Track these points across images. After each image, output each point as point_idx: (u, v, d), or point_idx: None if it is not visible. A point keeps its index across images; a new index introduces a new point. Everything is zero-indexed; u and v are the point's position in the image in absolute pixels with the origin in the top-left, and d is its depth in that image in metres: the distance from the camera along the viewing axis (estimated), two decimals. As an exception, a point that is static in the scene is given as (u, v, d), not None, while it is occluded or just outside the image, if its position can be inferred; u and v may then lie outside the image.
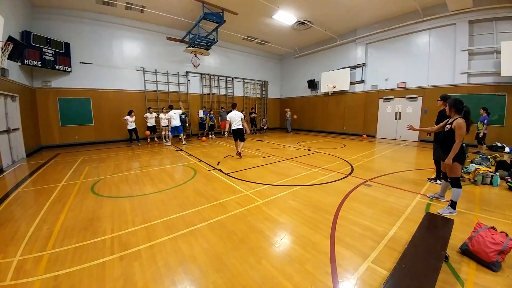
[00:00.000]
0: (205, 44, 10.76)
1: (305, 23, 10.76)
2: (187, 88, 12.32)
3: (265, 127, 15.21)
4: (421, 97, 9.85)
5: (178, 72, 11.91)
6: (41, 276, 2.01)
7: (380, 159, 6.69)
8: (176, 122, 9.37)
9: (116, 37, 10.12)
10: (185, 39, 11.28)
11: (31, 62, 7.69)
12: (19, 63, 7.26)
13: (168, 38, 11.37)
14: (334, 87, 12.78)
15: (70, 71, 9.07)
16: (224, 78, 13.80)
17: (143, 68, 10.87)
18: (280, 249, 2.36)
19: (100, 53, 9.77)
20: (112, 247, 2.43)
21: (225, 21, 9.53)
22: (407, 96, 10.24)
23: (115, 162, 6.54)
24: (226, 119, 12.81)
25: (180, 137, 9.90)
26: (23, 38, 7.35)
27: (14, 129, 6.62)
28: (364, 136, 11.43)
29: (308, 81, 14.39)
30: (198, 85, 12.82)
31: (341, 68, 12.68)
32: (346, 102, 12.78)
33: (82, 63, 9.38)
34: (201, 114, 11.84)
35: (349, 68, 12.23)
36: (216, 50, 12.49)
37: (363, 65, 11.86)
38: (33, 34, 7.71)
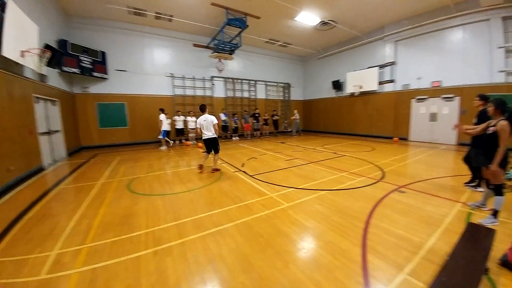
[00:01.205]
0: (229, 49, 11.05)
1: (328, 23, 10.52)
2: (212, 92, 12.73)
3: (288, 130, 15.03)
4: (459, 97, 9.01)
5: (203, 77, 12.37)
6: (79, 269, 2.15)
7: (414, 163, 6.24)
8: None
9: (147, 45, 10.86)
10: (210, 45, 11.70)
11: (69, 69, 8.39)
12: (58, 70, 7.98)
13: (195, 45, 11.89)
14: (361, 88, 12.23)
15: (106, 78, 9.91)
16: (247, 81, 14.01)
17: (171, 74, 11.49)
18: (308, 255, 2.31)
19: (133, 61, 10.55)
20: (147, 242, 2.58)
21: (248, 25, 9.71)
22: (443, 96, 9.44)
23: (148, 162, 6.97)
24: (249, 122, 13.18)
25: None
26: (60, 46, 8.01)
27: (54, 131, 7.28)
28: (396, 139, 10.74)
29: (332, 82, 14.00)
30: (223, 89, 13.18)
31: (368, 68, 12.12)
32: (374, 102, 12.15)
33: (117, 70, 10.21)
34: (222, 117, 12.12)
35: (377, 67, 11.64)
36: (239, 54, 12.74)
37: (393, 64, 11.22)
38: (70, 43, 8.45)
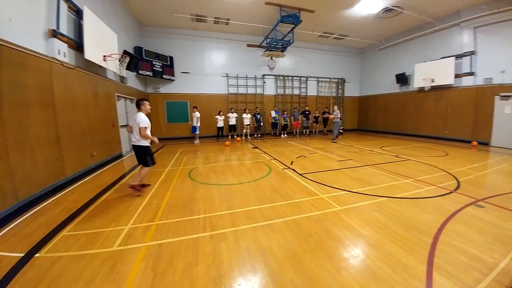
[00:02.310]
0: (281, 46, 11.03)
1: (393, 9, 9.28)
2: (263, 90, 12.99)
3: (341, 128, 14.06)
4: None
5: (255, 76, 12.75)
6: (147, 243, 2.50)
7: (495, 173, 5.08)
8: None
9: (207, 48, 11.86)
10: (262, 44, 11.93)
11: (144, 73, 9.89)
12: (135, 73, 9.45)
13: (248, 45, 12.32)
14: (433, 81, 10.37)
15: (173, 80, 11.31)
16: (298, 78, 13.74)
17: (227, 74, 12.28)
18: (363, 264, 2.14)
19: (195, 63, 11.71)
20: (205, 226, 2.86)
21: (301, 20, 9.45)
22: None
23: (205, 155, 7.71)
24: (298, 119, 12.93)
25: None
26: (136, 53, 9.45)
27: None
28: (474, 143, 8.80)
29: (396, 76, 12.36)
30: (273, 86, 13.30)
31: (441, 58, 10.21)
32: (449, 99, 10.21)
33: (182, 72, 11.51)
34: (273, 114, 12.23)
35: (453, 57, 9.68)
36: (290, 50, 12.55)
37: (472, 54, 9.20)
38: (145, 49, 9.91)
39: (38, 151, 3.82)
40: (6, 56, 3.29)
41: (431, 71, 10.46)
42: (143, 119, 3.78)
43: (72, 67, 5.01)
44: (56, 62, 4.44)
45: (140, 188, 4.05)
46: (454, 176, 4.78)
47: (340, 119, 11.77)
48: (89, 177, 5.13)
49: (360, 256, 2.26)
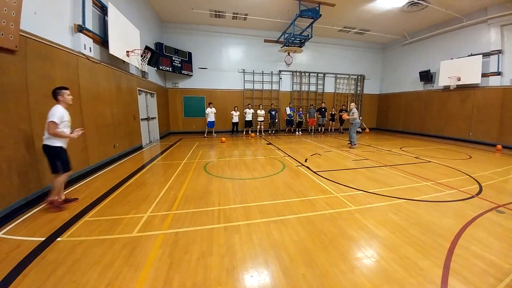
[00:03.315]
0: (298, 41, 10.82)
1: (419, 3, 8.74)
2: (279, 86, 12.89)
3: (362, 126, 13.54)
4: None
5: (271, 71, 12.65)
6: (165, 230, 2.63)
7: None
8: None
9: (224, 44, 11.92)
10: (280, 39, 11.77)
11: (164, 68, 10.16)
12: (155, 68, 9.72)
13: (266, 40, 12.23)
14: (459, 80, 9.70)
15: (191, 75, 11.52)
16: (315, 74, 13.44)
17: (243, 69, 12.30)
18: (377, 265, 2.11)
19: (212, 59, 11.83)
20: (219, 217, 2.95)
21: (321, 15, 9.19)
22: None
23: (220, 149, 7.86)
24: (314, 116, 12.70)
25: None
26: (157, 48, 9.70)
27: (152, 118, 9.13)
28: (499, 147, 8.19)
29: (420, 73, 11.69)
30: (289, 82, 13.14)
31: (468, 56, 9.54)
32: (475, 99, 9.55)
33: (200, 68, 11.69)
34: (288, 111, 12.11)
35: (481, 55, 9.00)
36: (308, 46, 12.26)
37: (499, 52, 8.54)
38: (165, 45, 10.14)
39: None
40: (32, 49, 3.43)
41: (458, 69, 9.80)
42: (53, 112, 2.92)
43: (97, 62, 5.26)
44: (82, 56, 4.67)
45: (62, 204, 3.18)
46: (476, 180, 4.53)
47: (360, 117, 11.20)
48: (111, 166, 5.42)
49: (374, 256, 2.22)
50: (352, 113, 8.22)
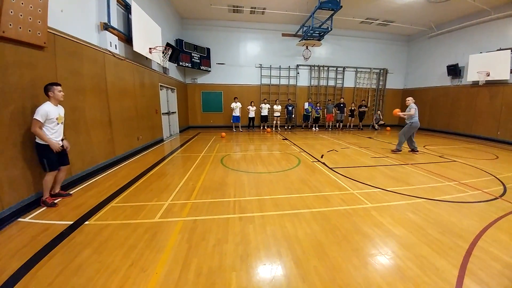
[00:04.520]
0: (317, 34, 10.53)
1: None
2: (296, 81, 12.71)
3: (381, 123, 13.01)
4: None
5: (289, 66, 12.50)
6: (184, 218, 2.80)
7: None
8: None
9: (242, 39, 11.97)
10: (298, 33, 11.54)
11: (184, 64, 10.43)
12: (175, 64, 10.01)
13: (283, 34, 12.06)
14: (488, 75, 9.02)
15: (210, 71, 11.75)
16: (335, 68, 13.05)
17: (260, 64, 12.28)
18: (391, 262, 2.09)
19: (230, 55, 11.95)
20: (234, 208, 3.07)
21: (341, 6, 8.83)
22: None
23: (236, 143, 8.05)
24: (332, 112, 12.37)
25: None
26: (177, 45, 9.94)
27: (172, 112, 9.50)
28: None
29: (448, 67, 10.91)
30: (307, 77, 12.90)
31: (497, 50, 8.79)
32: (504, 96, 8.84)
33: (218, 63, 11.86)
34: (306, 106, 11.93)
35: (509, 50, 8.31)
36: (327, 39, 11.89)
37: None
38: (185, 41, 10.36)
39: (92, 133, 4.35)
40: (61, 46, 3.59)
41: (486, 63, 9.14)
42: (38, 110, 2.83)
43: (122, 58, 5.56)
44: (108, 53, 4.93)
45: (53, 201, 3.10)
46: (501, 182, 4.27)
47: (380, 111, 10.56)
48: (135, 157, 5.76)
49: (389, 254, 2.20)
50: (409, 108, 6.42)
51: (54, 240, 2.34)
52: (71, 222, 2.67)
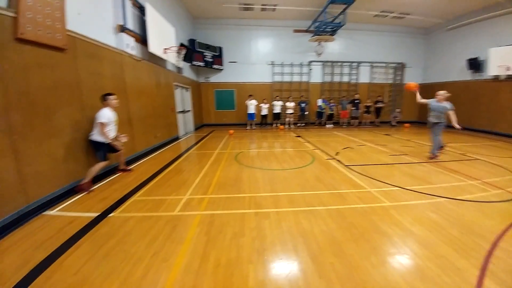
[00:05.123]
0: (330, 29, 10.31)
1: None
2: (309, 78, 12.54)
3: (397, 119, 12.48)
4: None
5: (301, 63, 12.33)
6: (201, 211, 2.90)
7: None
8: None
9: (253, 37, 11.95)
10: (310, 29, 11.33)
11: (197, 63, 10.58)
12: (189, 64, 10.17)
13: (295, 31, 11.89)
14: (508, 69, 8.47)
15: (222, 69, 11.84)
16: (349, 63, 12.71)
17: (272, 62, 12.20)
18: (411, 262, 2.05)
19: (242, 53, 11.97)
20: (250, 204, 3.13)
21: (355, -1, 8.58)
22: None
23: (249, 141, 8.14)
24: (346, 108, 12.08)
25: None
26: (190, 45, 10.07)
27: (187, 111, 9.72)
28: None
29: (468, 60, 10.30)
30: (320, 73, 12.67)
31: None
32: None
33: (230, 62, 11.93)
34: (319, 102, 11.75)
35: None
36: (340, 34, 11.56)
37: None
38: (197, 41, 10.51)
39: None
40: (81, 48, 3.70)
41: (507, 57, 8.60)
42: (102, 115, 3.61)
43: (139, 59, 5.74)
44: (126, 54, 5.11)
45: (90, 186, 3.59)
46: None
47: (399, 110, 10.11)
48: (153, 154, 5.99)
49: (408, 253, 2.16)
50: (451, 106, 5.35)
51: (81, 230, 2.49)
52: (97, 214, 2.83)
